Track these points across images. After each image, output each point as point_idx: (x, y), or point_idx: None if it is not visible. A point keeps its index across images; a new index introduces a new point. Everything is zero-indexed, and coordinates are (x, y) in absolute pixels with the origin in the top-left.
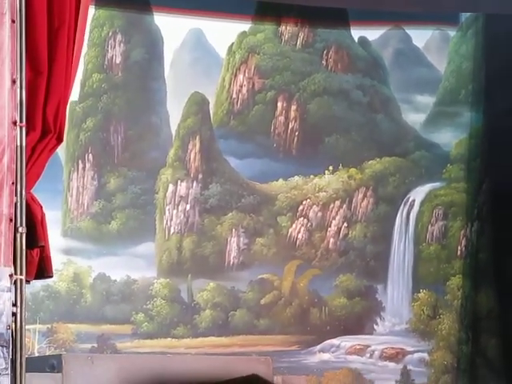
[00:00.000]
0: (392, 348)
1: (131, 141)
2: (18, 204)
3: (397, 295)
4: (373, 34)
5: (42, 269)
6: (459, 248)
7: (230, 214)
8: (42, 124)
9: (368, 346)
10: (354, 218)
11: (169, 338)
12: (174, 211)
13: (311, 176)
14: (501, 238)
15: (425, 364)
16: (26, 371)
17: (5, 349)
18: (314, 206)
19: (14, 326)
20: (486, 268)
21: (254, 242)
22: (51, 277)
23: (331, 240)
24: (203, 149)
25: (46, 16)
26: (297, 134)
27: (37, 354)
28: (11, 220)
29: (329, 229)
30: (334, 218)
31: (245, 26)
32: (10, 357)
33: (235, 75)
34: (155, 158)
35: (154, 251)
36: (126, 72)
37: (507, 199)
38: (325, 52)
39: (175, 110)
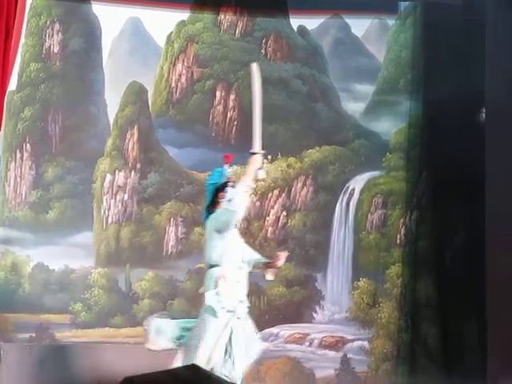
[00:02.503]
0: (332, 336)
1: (69, 130)
2: None
3: (336, 284)
4: (312, 23)
5: None
6: (398, 236)
7: (169, 203)
8: None
9: (307, 335)
10: (294, 207)
11: (107, 328)
12: (112, 201)
13: None
14: (440, 226)
15: (365, 352)
16: None
17: None
18: (253, 195)
19: None
20: (425, 256)
21: (192, 231)
22: None
23: (270, 229)
24: (141, 138)
25: None
26: (235, 123)
27: None
28: None
29: (267, 218)
30: (272, 207)
31: (183, 14)
32: None
33: (174, 64)
34: (93, 147)
35: (91, 241)
36: (63, 61)
37: (446, 188)
38: (264, 41)
39: (113, 100)
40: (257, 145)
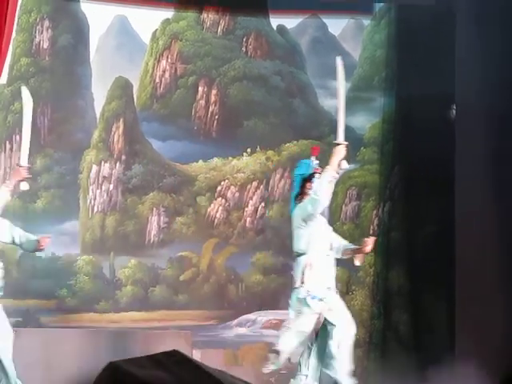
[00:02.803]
0: None
1: (57, 123)
2: None
3: None
4: (291, 22)
5: None
6: (372, 227)
7: (152, 193)
8: None
9: (283, 321)
10: (272, 198)
11: (91, 313)
12: (98, 191)
13: (230, 158)
14: (411, 217)
15: None
16: None
17: None
18: (232, 186)
19: None
20: (397, 247)
21: (174, 220)
22: None
23: (248, 219)
24: (126, 131)
25: None
26: (217, 117)
27: None
28: None
29: (246, 208)
30: (251, 198)
31: (168, 13)
32: None
33: (158, 60)
34: (80, 139)
35: (77, 229)
36: (53, 57)
37: (418, 181)
38: (245, 39)
39: (100, 94)
40: (341, 135)
